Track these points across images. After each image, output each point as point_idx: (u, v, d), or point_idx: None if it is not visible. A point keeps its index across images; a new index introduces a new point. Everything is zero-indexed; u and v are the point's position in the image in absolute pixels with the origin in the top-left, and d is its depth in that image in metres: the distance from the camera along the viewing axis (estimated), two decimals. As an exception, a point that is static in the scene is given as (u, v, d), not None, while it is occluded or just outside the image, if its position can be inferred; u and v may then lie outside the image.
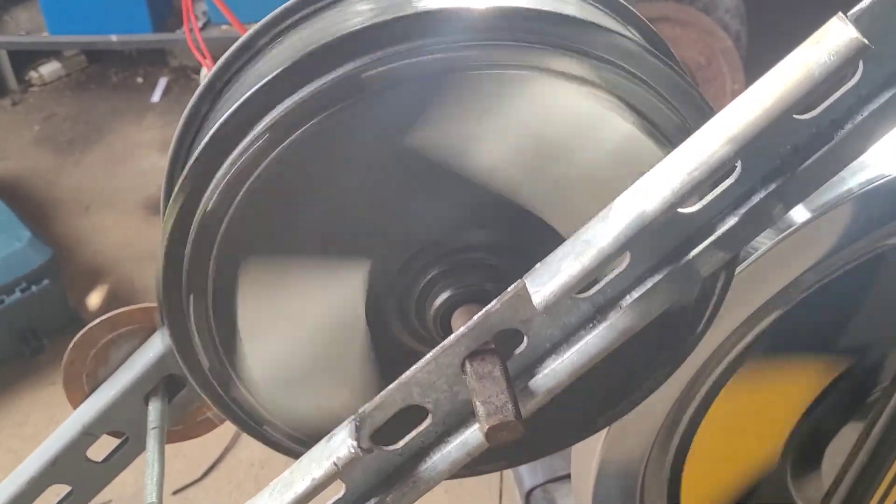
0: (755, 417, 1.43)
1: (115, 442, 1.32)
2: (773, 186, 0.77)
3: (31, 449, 1.30)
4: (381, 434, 0.83)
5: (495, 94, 0.85)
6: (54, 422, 1.29)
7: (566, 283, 0.76)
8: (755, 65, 3.24)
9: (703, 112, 0.89)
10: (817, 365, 1.39)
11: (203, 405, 1.30)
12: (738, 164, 0.76)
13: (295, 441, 1.01)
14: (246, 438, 1.03)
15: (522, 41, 0.84)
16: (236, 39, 1.06)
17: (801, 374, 1.39)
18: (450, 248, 0.94)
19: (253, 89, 0.84)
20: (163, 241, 0.90)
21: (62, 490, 1.31)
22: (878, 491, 1.32)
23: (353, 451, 0.81)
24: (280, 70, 0.83)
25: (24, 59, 4.72)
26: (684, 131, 0.88)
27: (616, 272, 0.80)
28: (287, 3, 1.03)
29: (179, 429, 1.35)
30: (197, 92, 1.06)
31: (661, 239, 0.79)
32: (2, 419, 2.93)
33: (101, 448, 1.31)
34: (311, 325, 0.95)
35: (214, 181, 0.86)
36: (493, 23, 0.83)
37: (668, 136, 0.88)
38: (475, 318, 0.80)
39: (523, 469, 2.00)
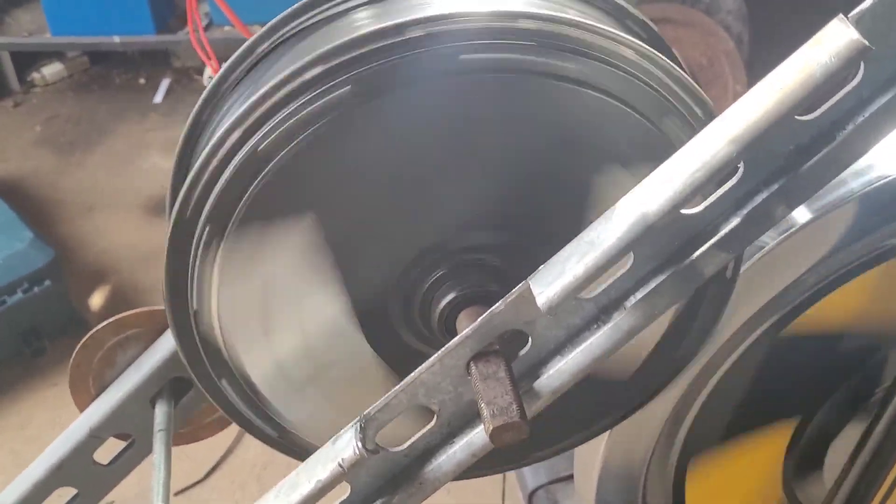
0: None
1: (122, 445, 1.32)
2: (775, 187, 0.77)
3: (33, 450, 1.30)
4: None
5: (498, 98, 0.86)
6: (56, 423, 1.30)
7: (570, 285, 0.77)
8: (757, 66, 3.24)
9: (705, 112, 0.89)
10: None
11: (209, 407, 1.30)
12: (741, 164, 0.76)
13: None
14: (248, 439, 1.04)
15: (524, 44, 0.84)
16: (239, 40, 1.07)
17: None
18: (454, 250, 0.94)
19: (219, 133, 0.86)
20: (167, 309, 0.94)
21: (68, 493, 1.31)
22: (880, 492, 1.32)
23: (358, 452, 0.81)
24: (256, 96, 0.84)
25: (27, 60, 4.73)
26: (687, 133, 0.88)
27: (619, 273, 0.80)
28: (289, 10, 1.03)
29: (186, 431, 1.35)
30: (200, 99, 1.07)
31: (665, 240, 0.79)
32: (3, 420, 2.92)
33: (108, 451, 1.31)
34: (313, 340, 0.96)
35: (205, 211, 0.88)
36: (495, 26, 0.84)
37: (671, 138, 0.89)
38: (480, 319, 0.80)
39: (526, 470, 2.00)
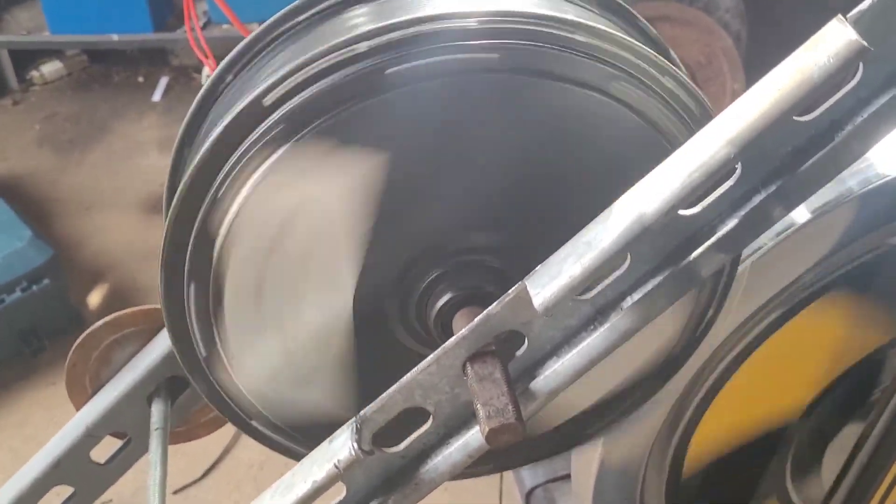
0: (797, 358, 1.40)
1: (118, 443, 1.32)
2: (773, 188, 0.77)
3: (32, 449, 1.30)
4: (382, 436, 0.84)
5: (498, 98, 0.85)
6: (55, 422, 1.30)
7: (567, 285, 0.76)
8: (755, 64, 3.24)
9: (703, 113, 0.89)
10: (884, 319, 1.37)
11: (206, 406, 1.30)
12: (738, 165, 0.76)
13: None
14: (245, 439, 1.03)
15: (526, 45, 0.84)
16: (237, 39, 1.07)
17: (868, 321, 1.37)
18: (451, 250, 0.94)
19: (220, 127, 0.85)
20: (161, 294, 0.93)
21: (65, 492, 1.31)
22: (878, 491, 1.32)
23: (354, 453, 0.81)
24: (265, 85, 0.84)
25: (26, 58, 4.72)
26: (685, 133, 0.88)
27: (616, 274, 0.80)
28: (286, 8, 1.03)
29: (182, 430, 1.35)
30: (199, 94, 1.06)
31: (662, 241, 0.79)
32: (2, 419, 2.92)
33: (104, 449, 1.31)
34: (305, 333, 0.96)
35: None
36: (495, 26, 0.84)
37: (670, 138, 0.88)
38: (476, 320, 0.80)
39: (524, 469, 2.00)
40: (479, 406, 0.77)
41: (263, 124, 0.85)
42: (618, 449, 1.39)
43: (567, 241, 0.79)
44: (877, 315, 1.35)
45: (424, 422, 0.84)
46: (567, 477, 1.86)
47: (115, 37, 4.12)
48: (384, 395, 0.81)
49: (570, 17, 0.86)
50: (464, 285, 0.94)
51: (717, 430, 1.43)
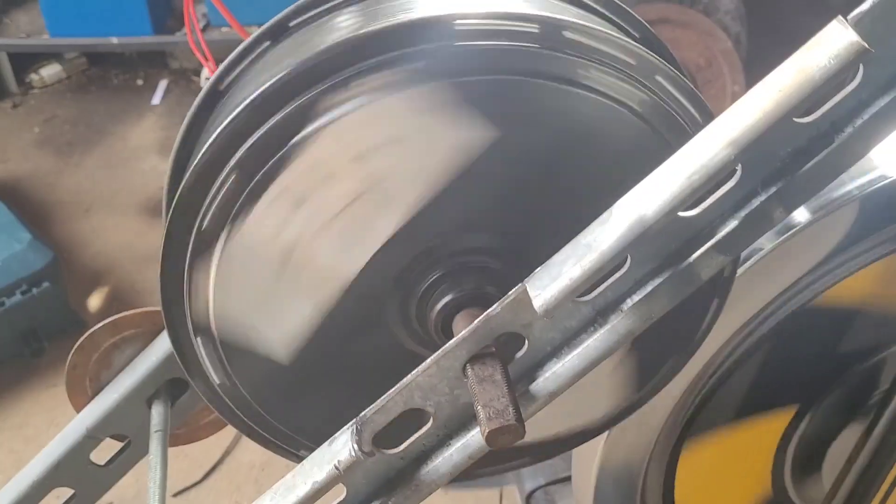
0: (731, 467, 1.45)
1: (118, 445, 1.32)
2: (773, 189, 0.77)
3: (32, 450, 1.30)
4: (382, 437, 0.84)
5: (495, 100, 0.85)
6: (55, 423, 1.30)
7: (567, 287, 0.76)
8: (755, 66, 3.24)
9: (703, 114, 0.89)
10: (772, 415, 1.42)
11: (205, 409, 1.30)
12: (739, 167, 0.76)
13: None
14: (246, 441, 1.03)
15: (520, 47, 0.84)
16: (236, 41, 1.07)
17: (763, 425, 1.41)
18: (452, 252, 0.94)
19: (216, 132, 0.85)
20: (161, 288, 0.92)
21: (65, 493, 1.32)
22: (879, 493, 1.32)
23: (354, 454, 0.81)
24: (250, 99, 0.84)
25: (25, 61, 4.72)
26: (684, 134, 0.88)
27: (616, 276, 0.80)
28: (286, 10, 1.03)
29: (182, 432, 1.35)
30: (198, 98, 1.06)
31: (662, 242, 0.79)
32: (2, 421, 2.93)
33: (104, 451, 1.31)
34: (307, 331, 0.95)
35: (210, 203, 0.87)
36: (488, 27, 0.84)
37: (669, 140, 0.88)
38: (476, 321, 0.80)
39: (524, 471, 2.00)
40: (479, 407, 0.77)
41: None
42: (618, 450, 1.39)
43: (567, 242, 0.79)
44: None
45: (425, 423, 0.84)
46: (567, 479, 1.87)
47: (114, 40, 4.13)
48: (384, 396, 0.81)
49: (567, 18, 0.86)
50: (464, 287, 0.94)
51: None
